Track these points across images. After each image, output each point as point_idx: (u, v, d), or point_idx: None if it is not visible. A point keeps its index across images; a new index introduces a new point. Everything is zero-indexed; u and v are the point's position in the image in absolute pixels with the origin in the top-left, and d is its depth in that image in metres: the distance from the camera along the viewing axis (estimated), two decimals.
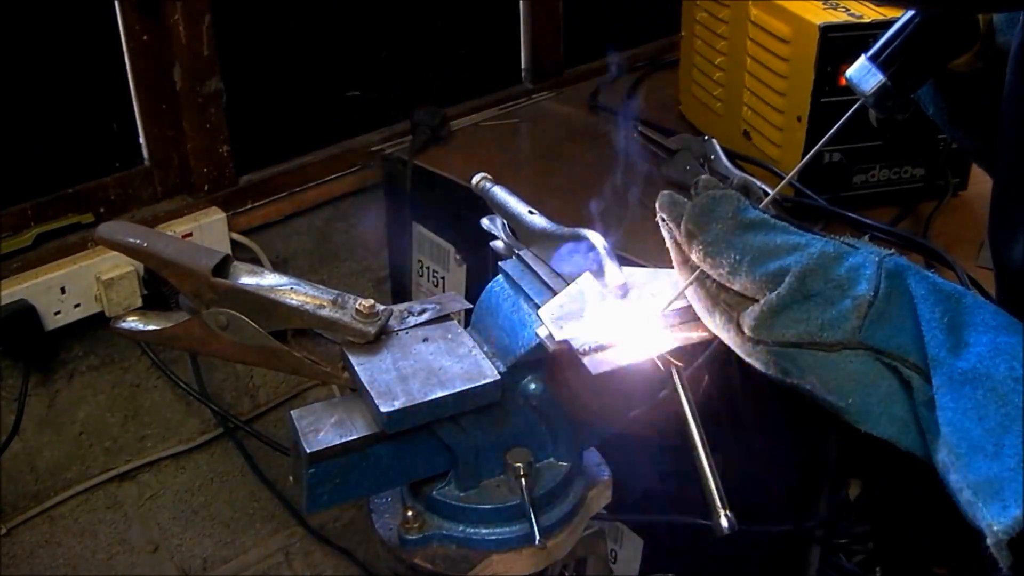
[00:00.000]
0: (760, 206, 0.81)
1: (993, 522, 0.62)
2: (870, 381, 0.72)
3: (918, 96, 0.98)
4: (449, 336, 0.90)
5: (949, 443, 0.66)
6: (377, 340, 0.88)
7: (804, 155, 1.63)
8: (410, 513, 0.89)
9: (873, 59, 0.91)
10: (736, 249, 0.76)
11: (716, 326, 0.79)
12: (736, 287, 0.76)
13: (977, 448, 0.65)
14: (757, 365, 0.77)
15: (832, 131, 0.93)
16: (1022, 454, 0.63)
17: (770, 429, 1.54)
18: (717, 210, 0.77)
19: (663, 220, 0.81)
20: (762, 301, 0.74)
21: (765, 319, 0.74)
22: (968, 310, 0.70)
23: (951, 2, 0.79)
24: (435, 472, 0.89)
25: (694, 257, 0.78)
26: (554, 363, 0.87)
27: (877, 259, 0.73)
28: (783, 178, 1.66)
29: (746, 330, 0.75)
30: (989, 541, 0.62)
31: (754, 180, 1.55)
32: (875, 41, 0.92)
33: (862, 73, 0.91)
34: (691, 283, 0.79)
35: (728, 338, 0.78)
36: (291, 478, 0.87)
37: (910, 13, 0.90)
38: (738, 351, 0.77)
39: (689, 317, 0.84)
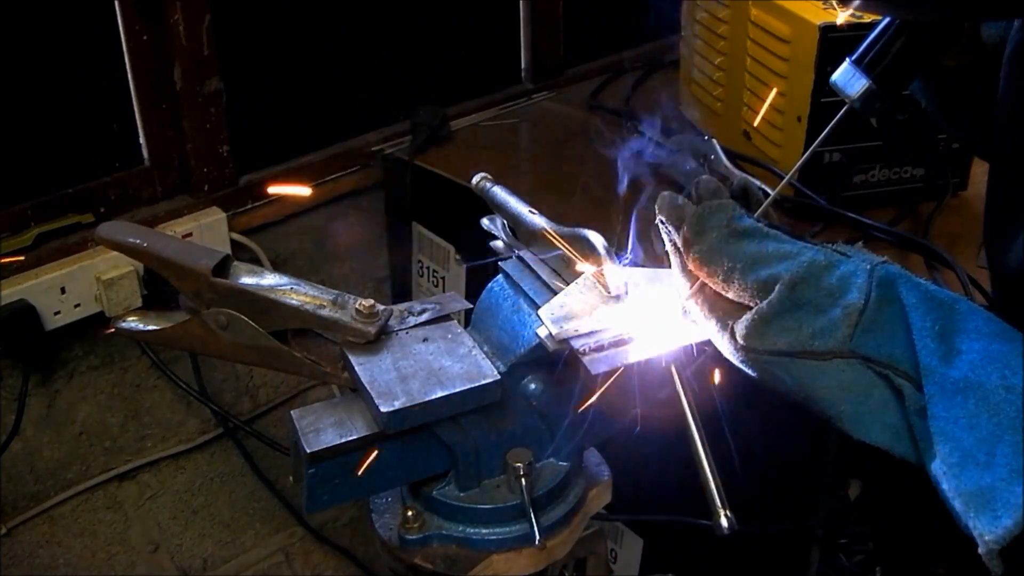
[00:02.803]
0: (760, 208, 0.81)
1: (984, 532, 0.62)
2: (862, 390, 0.72)
3: (913, 91, 0.98)
4: (449, 336, 0.90)
5: (941, 452, 0.66)
6: (377, 340, 0.88)
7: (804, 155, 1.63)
8: (410, 513, 0.89)
9: (857, 63, 0.91)
10: (729, 257, 0.76)
11: (711, 333, 0.79)
12: (730, 295, 0.77)
13: (969, 458, 0.65)
14: (750, 373, 0.77)
15: (824, 134, 0.93)
16: (1014, 464, 0.63)
17: (770, 429, 1.54)
18: (712, 219, 0.77)
19: (662, 223, 0.81)
20: (754, 309, 0.74)
21: (757, 328, 0.74)
22: (961, 317, 0.70)
23: (946, 10, 0.79)
24: (435, 472, 0.89)
25: (691, 265, 0.78)
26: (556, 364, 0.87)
27: (869, 267, 0.73)
28: (783, 178, 1.66)
29: (739, 338, 0.75)
30: (981, 550, 0.62)
31: (754, 180, 1.55)
32: (858, 45, 0.91)
33: (847, 77, 0.91)
34: (692, 292, 0.80)
35: (722, 346, 0.78)
36: (291, 478, 0.87)
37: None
38: (732, 359, 0.77)
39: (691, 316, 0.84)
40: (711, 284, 0.78)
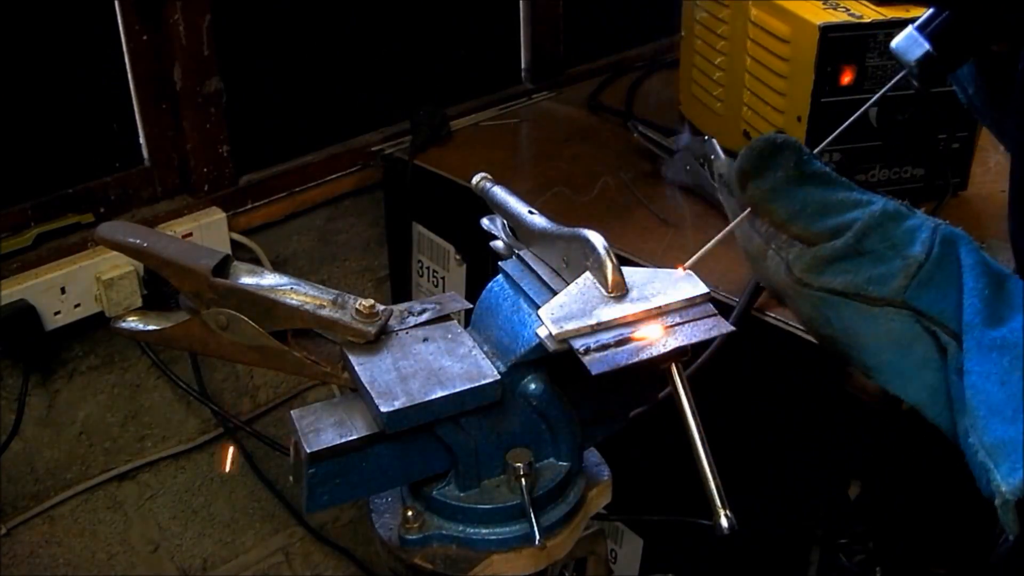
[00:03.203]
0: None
1: (1002, 483, 0.63)
2: (907, 342, 0.73)
3: (956, 78, 0.99)
4: (449, 336, 0.90)
5: (971, 406, 0.68)
6: (377, 340, 0.88)
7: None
8: (410, 513, 0.89)
9: (920, 29, 0.91)
10: (796, 199, 0.76)
11: (765, 266, 0.79)
12: (791, 232, 0.77)
13: (995, 411, 0.66)
14: (799, 308, 0.77)
15: (877, 96, 0.93)
16: None
17: (771, 428, 1.54)
18: (779, 157, 0.77)
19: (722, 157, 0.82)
20: (816, 247, 0.75)
21: (816, 265, 0.75)
22: (1011, 291, 0.72)
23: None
24: (435, 472, 0.89)
25: (747, 198, 0.79)
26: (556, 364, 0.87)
27: (933, 225, 0.75)
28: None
29: (796, 271, 0.75)
30: (997, 502, 0.63)
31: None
32: (923, 14, 0.92)
33: (908, 43, 0.92)
34: (740, 221, 0.80)
35: (776, 278, 0.78)
36: (291, 478, 0.87)
37: None
38: (783, 292, 0.78)
39: (691, 316, 0.84)
40: (767, 220, 0.78)
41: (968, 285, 0.71)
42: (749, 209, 0.80)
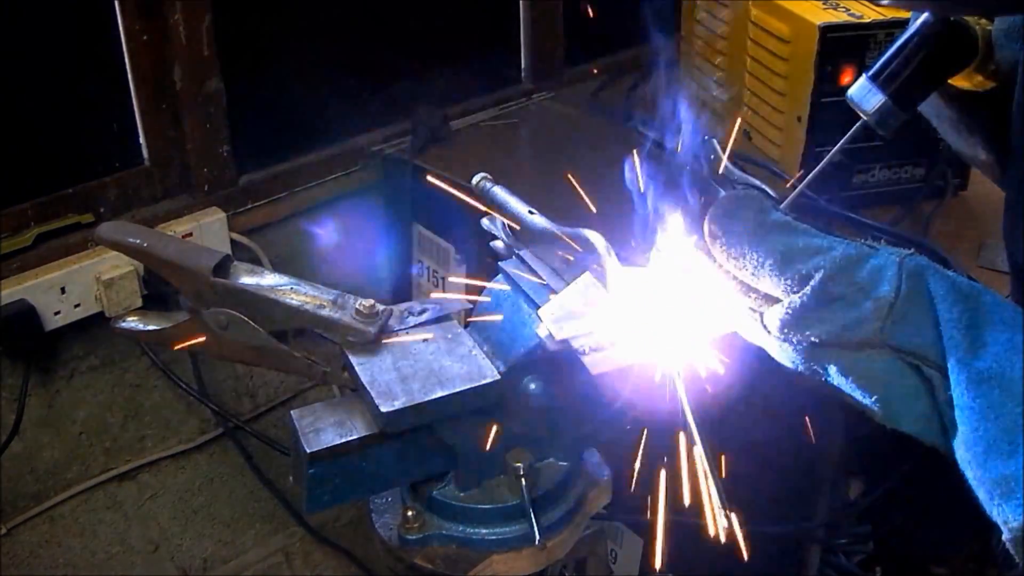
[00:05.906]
0: (784, 203, 0.82)
1: (1009, 519, 0.63)
2: (893, 379, 0.73)
3: (923, 111, 0.99)
4: (449, 336, 0.90)
5: (966, 441, 0.68)
6: (377, 340, 0.88)
7: (804, 155, 1.63)
8: (410, 513, 0.89)
9: (873, 78, 0.91)
10: (759, 251, 0.77)
11: (743, 325, 0.79)
12: (761, 287, 0.77)
13: (993, 447, 0.66)
14: (786, 361, 0.77)
15: (837, 147, 0.93)
16: None
17: (771, 429, 1.54)
18: (740, 211, 0.78)
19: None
20: (786, 303, 0.75)
21: (790, 320, 0.75)
22: (986, 308, 0.71)
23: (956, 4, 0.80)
24: (435, 472, 0.89)
25: (718, 257, 0.79)
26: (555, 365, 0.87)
27: (898, 260, 0.75)
28: (784, 179, 1.66)
29: (772, 329, 0.76)
30: (1005, 537, 0.64)
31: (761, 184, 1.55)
32: (875, 61, 0.92)
33: (863, 93, 0.92)
34: (717, 283, 0.80)
35: (755, 336, 0.78)
36: (291, 478, 0.87)
37: (908, 33, 0.91)
38: (767, 348, 0.78)
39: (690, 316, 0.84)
40: (739, 276, 0.78)
41: (944, 317, 0.71)
42: (722, 270, 0.80)
